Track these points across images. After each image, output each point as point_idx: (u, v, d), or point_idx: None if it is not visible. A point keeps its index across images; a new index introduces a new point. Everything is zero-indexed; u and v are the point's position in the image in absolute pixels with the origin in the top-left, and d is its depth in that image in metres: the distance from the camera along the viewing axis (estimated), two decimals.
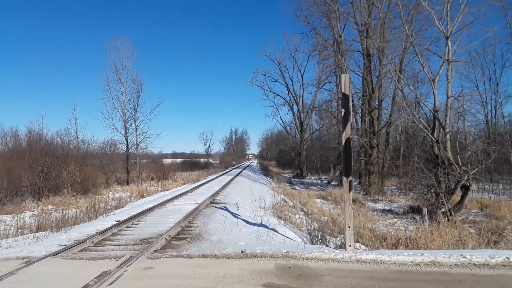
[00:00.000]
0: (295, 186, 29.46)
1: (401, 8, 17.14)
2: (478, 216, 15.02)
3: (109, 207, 15.06)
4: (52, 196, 17.83)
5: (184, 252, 6.87)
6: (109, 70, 32.14)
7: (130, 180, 30.60)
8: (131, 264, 6.08)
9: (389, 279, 5.09)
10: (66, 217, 11.62)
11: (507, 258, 5.56)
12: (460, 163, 14.20)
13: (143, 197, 20.35)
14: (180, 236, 8.59)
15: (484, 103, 29.79)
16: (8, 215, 13.32)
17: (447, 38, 15.06)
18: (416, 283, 4.87)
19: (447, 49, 15.10)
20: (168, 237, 8.28)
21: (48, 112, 78.17)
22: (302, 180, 37.82)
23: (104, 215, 13.20)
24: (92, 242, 8.07)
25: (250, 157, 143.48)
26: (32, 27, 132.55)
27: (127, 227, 9.95)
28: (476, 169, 14.26)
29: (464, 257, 5.69)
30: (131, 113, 32.37)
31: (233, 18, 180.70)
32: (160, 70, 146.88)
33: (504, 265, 5.41)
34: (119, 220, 10.64)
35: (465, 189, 14.34)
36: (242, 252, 6.55)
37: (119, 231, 9.40)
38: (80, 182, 19.68)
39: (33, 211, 14.64)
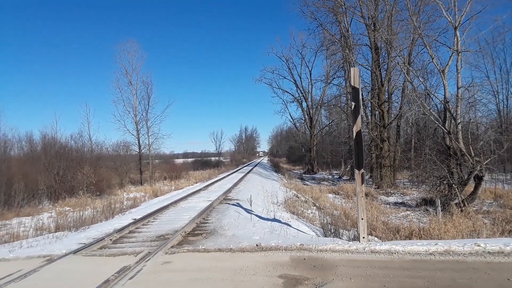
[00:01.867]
0: (306, 182, 29.47)
1: (408, 0, 17.04)
2: (491, 206, 14.91)
3: (124, 207, 15.31)
4: (68, 197, 18.17)
5: (200, 246, 7.02)
6: (120, 73, 32.52)
7: (144, 180, 30.95)
8: (149, 259, 6.25)
9: (403, 268, 5.16)
10: (83, 217, 11.86)
11: None
12: (473, 154, 14.10)
13: (157, 196, 20.59)
14: (196, 232, 8.74)
15: (496, 93, 29.40)
16: (26, 217, 13.63)
17: (455, 28, 14.94)
18: (430, 272, 4.94)
19: (455, 39, 14.98)
20: (184, 233, 8.45)
21: (62, 116, 79.28)
22: (313, 175, 37.80)
23: (120, 214, 13.42)
24: (111, 239, 8.27)
25: (260, 155, 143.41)
26: (44, 32, 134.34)
27: (143, 224, 10.14)
28: (489, 159, 14.13)
29: (478, 245, 5.73)
30: (142, 114, 32.71)
31: (240, 17, 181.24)
32: (169, 71, 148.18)
33: None
34: (135, 219, 10.84)
35: (478, 179, 14.24)
36: (257, 245, 6.67)
37: (136, 228, 9.59)
38: (95, 183, 19.98)
39: (51, 212, 14.95)
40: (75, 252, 7.09)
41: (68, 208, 15.83)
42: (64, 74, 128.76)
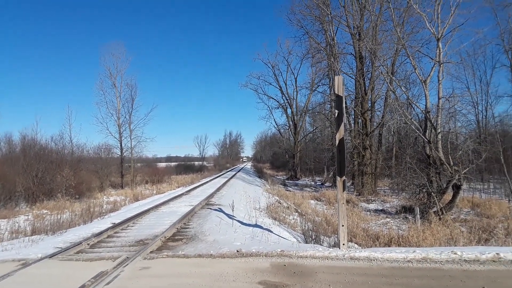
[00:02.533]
0: (289, 188, 29.56)
1: (392, 11, 17.39)
2: (469, 214, 15.22)
3: (104, 211, 15.06)
4: (47, 200, 17.78)
5: (180, 252, 6.94)
6: (104, 75, 32.16)
7: (125, 184, 30.53)
8: (127, 264, 6.14)
9: (382, 275, 5.21)
10: (61, 221, 11.60)
11: (497, 254, 5.70)
12: (452, 163, 14.39)
13: (137, 200, 20.33)
14: (176, 237, 8.65)
15: (475, 104, 30.13)
16: (2, 220, 13.25)
17: (438, 40, 15.29)
18: (408, 279, 5.00)
19: (438, 50, 15.32)
20: (164, 238, 8.35)
21: (43, 117, 77.51)
22: (296, 181, 37.95)
23: (99, 218, 13.19)
24: (88, 244, 8.10)
25: (244, 160, 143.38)
26: (26, 32, 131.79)
27: (122, 229, 9.98)
28: (467, 169, 14.44)
29: (455, 253, 5.82)
30: (125, 117, 32.37)
31: (227, 23, 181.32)
32: (154, 74, 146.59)
33: (494, 261, 5.56)
34: (114, 223, 10.67)
35: (457, 188, 14.52)
36: (237, 251, 6.63)
37: (114, 233, 9.43)
38: (75, 186, 19.61)
39: (27, 215, 14.59)
40: (51, 256, 6.92)
41: (46, 211, 15.49)
42: (46, 74, 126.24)
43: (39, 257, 6.84)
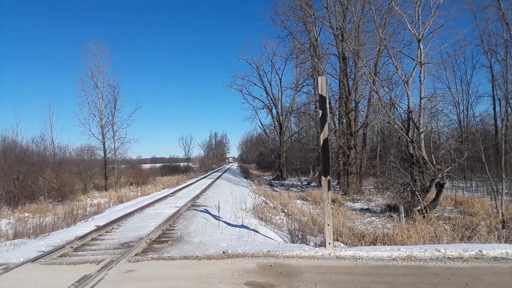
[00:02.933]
0: (276, 188, 29.62)
1: (374, 12, 17.59)
2: (452, 212, 15.51)
3: (87, 213, 14.80)
4: (29, 203, 17.43)
5: (165, 254, 6.88)
6: (85, 75, 31.60)
7: (109, 186, 30.11)
8: (112, 267, 6.06)
9: (367, 273, 5.25)
10: (44, 224, 11.35)
11: (480, 251, 5.82)
12: (434, 162, 14.62)
13: (122, 202, 20.07)
14: (161, 239, 8.57)
15: (456, 104, 30.78)
16: None
17: (419, 41, 15.53)
18: (393, 277, 5.05)
19: (419, 51, 15.56)
20: (149, 241, 8.26)
21: (23, 119, 75.74)
22: (282, 182, 38.06)
23: (82, 221, 12.96)
24: (71, 247, 7.96)
25: (230, 160, 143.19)
26: (5, 31, 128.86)
27: (106, 232, 9.84)
28: (450, 167, 14.70)
29: (439, 251, 5.92)
30: (108, 118, 31.88)
31: (211, 23, 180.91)
32: (137, 75, 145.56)
33: (477, 258, 5.68)
34: (98, 225, 10.51)
35: (440, 187, 14.77)
36: (223, 252, 6.61)
37: (98, 236, 9.29)
38: (57, 189, 19.27)
39: (9, 218, 14.28)
40: (34, 260, 6.77)
41: (28, 214, 15.17)
42: (27, 74, 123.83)
43: (21, 261, 6.70)
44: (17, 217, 14.51)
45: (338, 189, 25.45)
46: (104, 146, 31.43)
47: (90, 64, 31.42)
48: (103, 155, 31.54)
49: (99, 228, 9.90)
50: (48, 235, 10.18)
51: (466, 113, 31.62)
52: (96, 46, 32.08)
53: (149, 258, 6.64)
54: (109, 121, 31.81)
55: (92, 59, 31.53)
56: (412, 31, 15.73)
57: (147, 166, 56.27)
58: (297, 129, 48.52)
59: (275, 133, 47.91)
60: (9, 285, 5.51)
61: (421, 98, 15.48)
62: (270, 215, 14.47)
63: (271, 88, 44.80)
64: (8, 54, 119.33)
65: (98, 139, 31.32)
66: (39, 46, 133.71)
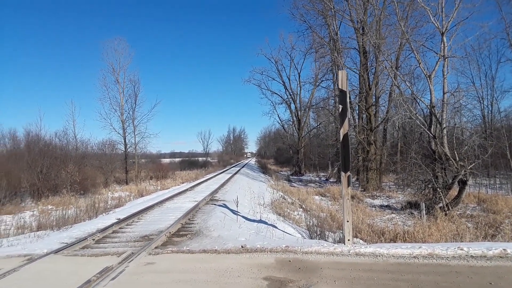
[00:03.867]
0: (294, 184, 29.54)
1: (396, 5, 17.21)
2: (475, 210, 15.13)
3: (108, 206, 15.09)
4: (52, 196, 17.86)
5: (185, 247, 6.95)
6: (106, 71, 32.25)
7: (129, 180, 30.63)
8: (132, 260, 6.15)
9: (387, 271, 5.17)
10: (66, 216, 11.65)
11: (504, 250, 5.66)
12: (457, 158, 14.29)
13: (142, 196, 20.38)
14: (181, 233, 8.66)
15: (480, 99, 29.93)
16: (8, 216, 13.35)
17: (442, 34, 15.13)
18: (414, 275, 4.96)
19: (442, 45, 15.17)
20: (168, 234, 8.36)
21: (46, 113, 77.45)
22: (300, 177, 37.93)
23: (104, 214, 13.23)
24: (93, 239, 8.13)
25: (248, 156, 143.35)
26: (29, 28, 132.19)
27: (127, 224, 10.01)
28: (473, 164, 14.34)
29: (462, 249, 5.78)
30: (129, 113, 32.46)
31: (229, 17, 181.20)
32: (157, 70, 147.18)
33: (501, 257, 5.51)
34: (119, 218, 10.70)
35: (462, 184, 14.43)
36: (242, 247, 6.62)
37: (119, 228, 9.45)
38: (79, 182, 19.70)
39: (33, 211, 14.68)
40: (57, 251, 6.94)
41: (51, 206, 15.57)
42: (50, 70, 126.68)
43: (44, 253, 6.87)
44: (41, 209, 14.89)
45: (357, 185, 25.19)
46: (125, 141, 32.03)
47: (111, 59, 32.02)
48: (124, 149, 32.13)
49: (120, 221, 10.08)
50: (71, 227, 10.45)
51: (490, 109, 30.71)
52: (117, 42, 32.67)
53: (168, 251, 6.72)
54: (129, 116, 32.40)
55: (113, 54, 32.11)
56: (436, 24, 15.34)
57: (166, 160, 56.93)
58: (316, 124, 48.29)
59: (294, 128, 47.79)
60: (33, 275, 5.65)
61: (444, 93, 15.11)
62: (288, 211, 14.44)
63: (289, 83, 44.68)
64: (33, 50, 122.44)
65: (119, 133, 31.95)
66: (62, 42, 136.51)
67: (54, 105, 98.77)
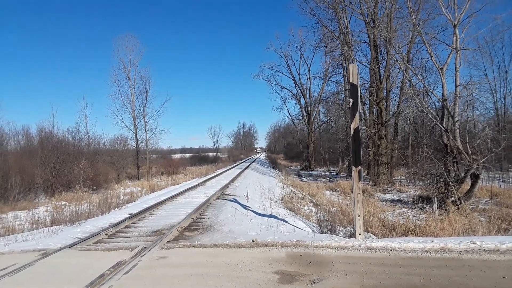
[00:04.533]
0: (304, 178, 29.49)
1: None
2: (488, 204, 14.95)
3: (121, 201, 15.29)
4: (65, 192, 18.14)
5: (196, 242, 7.01)
6: (117, 67, 32.53)
7: (140, 175, 30.93)
8: (145, 254, 6.23)
9: (399, 265, 5.16)
10: (79, 212, 11.82)
11: None
12: (470, 152, 14.12)
13: (153, 191, 20.58)
14: (192, 228, 8.72)
15: (493, 91, 29.46)
16: (22, 211, 13.60)
17: (454, 26, 14.90)
18: (426, 269, 4.93)
19: (454, 37, 14.94)
20: (180, 229, 8.43)
21: (59, 110, 78.35)
22: (311, 172, 37.84)
23: (116, 209, 13.40)
24: (106, 234, 8.25)
25: (258, 151, 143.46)
26: (41, 26, 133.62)
27: (139, 219, 10.12)
28: (486, 158, 14.15)
29: (474, 243, 5.73)
30: (140, 109, 32.72)
31: (239, 13, 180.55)
32: (167, 66, 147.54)
33: None
34: (131, 213, 10.82)
35: (475, 177, 14.26)
36: (253, 241, 6.66)
37: (132, 223, 9.57)
38: (92, 178, 19.94)
39: (47, 206, 14.93)
40: (71, 246, 7.06)
41: (64, 202, 15.82)
42: (62, 68, 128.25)
43: (58, 247, 6.99)
44: (54, 205, 15.14)
45: (368, 179, 25.03)
46: (136, 137, 32.32)
47: (122, 56, 32.26)
48: (135, 145, 32.42)
49: (132, 216, 10.20)
50: (84, 222, 10.59)
51: (503, 101, 30.25)
52: (127, 39, 32.87)
53: (180, 246, 6.78)
54: (140, 112, 32.64)
55: (124, 51, 32.34)
56: (448, 16, 15.11)
57: (177, 156, 57.30)
58: (326, 119, 48.04)
59: (303, 123, 47.63)
60: (48, 270, 5.76)
61: (456, 86, 14.91)
62: (299, 205, 14.45)
63: (299, 78, 44.53)
64: (45, 48, 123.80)
65: (130, 129, 32.24)
66: (74, 39, 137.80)
67: (66, 102, 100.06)
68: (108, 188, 21.60)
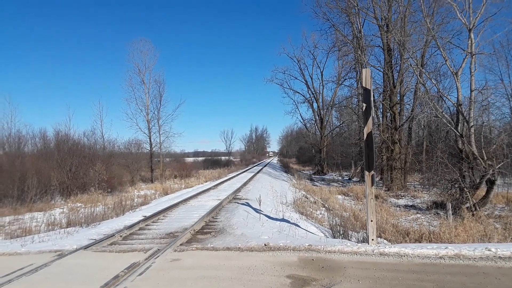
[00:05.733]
0: (316, 183, 29.38)
1: (421, 1, 16.88)
2: (503, 211, 14.68)
3: (135, 204, 15.47)
4: (80, 194, 18.41)
5: (209, 245, 7.06)
6: (132, 71, 32.93)
7: (154, 178, 31.22)
8: (158, 256, 6.31)
9: (412, 271, 5.12)
10: (95, 214, 12.01)
11: None
12: (485, 157, 13.92)
13: (167, 194, 20.75)
14: (205, 230, 8.79)
15: (509, 96, 28.70)
16: (38, 212, 13.85)
17: (469, 30, 14.76)
18: (440, 275, 4.89)
19: (469, 41, 14.79)
20: (193, 231, 8.50)
21: (75, 113, 79.73)
22: (323, 176, 37.65)
23: (130, 211, 13.56)
24: (121, 236, 8.36)
25: (270, 155, 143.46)
26: (58, 30, 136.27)
27: (153, 222, 10.23)
28: (502, 163, 13.92)
29: (489, 250, 5.66)
30: (154, 113, 33.09)
31: (252, 17, 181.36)
32: (181, 70, 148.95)
33: None
34: (145, 216, 10.94)
35: (490, 183, 14.05)
36: (265, 245, 6.68)
37: (146, 226, 9.68)
38: (107, 180, 20.19)
39: (63, 208, 15.17)
40: (86, 247, 7.18)
41: (80, 204, 16.05)
42: (78, 71, 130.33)
43: (74, 248, 7.11)
44: (70, 206, 15.38)
45: (381, 184, 24.81)
46: (150, 140, 32.68)
47: (137, 60, 32.68)
48: (149, 148, 32.79)
49: (146, 218, 10.31)
50: (99, 224, 10.75)
51: None
52: (142, 43, 33.29)
53: (193, 248, 6.84)
54: (155, 116, 33.02)
55: (139, 55, 32.76)
56: (462, 20, 14.97)
57: (190, 159, 57.59)
58: (339, 123, 47.80)
59: (316, 127, 47.43)
60: (64, 270, 5.87)
61: (471, 91, 14.73)
62: (311, 210, 14.42)
63: (312, 82, 44.38)
64: (63, 51, 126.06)
65: (144, 133, 32.61)
66: (91, 43, 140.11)
67: (82, 106, 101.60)
68: (122, 190, 21.86)
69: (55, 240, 8.40)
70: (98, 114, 34.47)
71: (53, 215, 12.90)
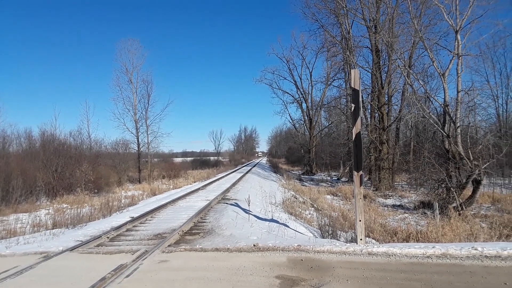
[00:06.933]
0: (305, 183, 29.47)
1: (409, 3, 17.03)
2: (489, 210, 14.91)
3: (122, 205, 15.30)
4: (66, 194, 18.17)
5: (197, 246, 7.01)
6: (120, 71, 32.68)
7: (142, 179, 30.98)
8: (146, 257, 6.23)
9: (400, 270, 5.15)
10: (81, 215, 11.84)
11: None
12: (471, 158, 14.10)
13: (155, 194, 20.59)
14: (193, 231, 8.73)
15: (495, 97, 29.41)
16: (24, 214, 13.62)
17: (456, 32, 14.94)
18: (427, 275, 4.92)
19: (456, 43, 14.97)
20: (181, 232, 8.44)
21: (61, 113, 78.66)
22: (312, 176, 37.82)
23: (117, 212, 13.40)
24: (108, 237, 8.25)
25: (259, 155, 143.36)
26: (45, 29, 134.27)
27: (141, 223, 10.13)
28: (488, 163, 14.11)
29: (476, 249, 5.72)
30: (142, 113, 32.85)
31: (241, 17, 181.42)
32: (169, 70, 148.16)
33: None
34: (132, 217, 10.84)
35: (476, 183, 14.23)
36: (254, 245, 6.66)
37: (133, 227, 9.58)
38: (93, 181, 19.99)
39: (48, 209, 14.94)
40: (72, 249, 7.06)
41: (66, 205, 15.84)
42: (64, 71, 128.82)
43: (60, 250, 6.99)
44: (56, 207, 15.16)
45: (369, 184, 25.02)
46: (138, 140, 32.44)
47: (124, 60, 32.43)
48: (137, 148, 32.54)
49: (133, 220, 10.21)
50: (85, 225, 10.61)
51: (505, 107, 30.19)
52: (130, 42, 33.06)
53: (181, 249, 6.78)
54: (142, 116, 32.79)
55: (126, 54, 32.51)
56: (449, 22, 15.15)
57: (178, 160, 57.34)
58: (327, 124, 48.05)
59: (305, 127, 47.64)
60: (49, 272, 5.76)
61: (458, 92, 14.90)
62: (300, 210, 14.44)
63: (301, 82, 44.62)
64: (48, 51, 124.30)
65: (132, 133, 32.36)
66: (77, 43, 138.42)
67: (69, 105, 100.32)
68: (109, 191, 21.64)
69: (41, 242, 8.26)
70: (85, 114, 34.27)
71: (38, 216, 12.70)
